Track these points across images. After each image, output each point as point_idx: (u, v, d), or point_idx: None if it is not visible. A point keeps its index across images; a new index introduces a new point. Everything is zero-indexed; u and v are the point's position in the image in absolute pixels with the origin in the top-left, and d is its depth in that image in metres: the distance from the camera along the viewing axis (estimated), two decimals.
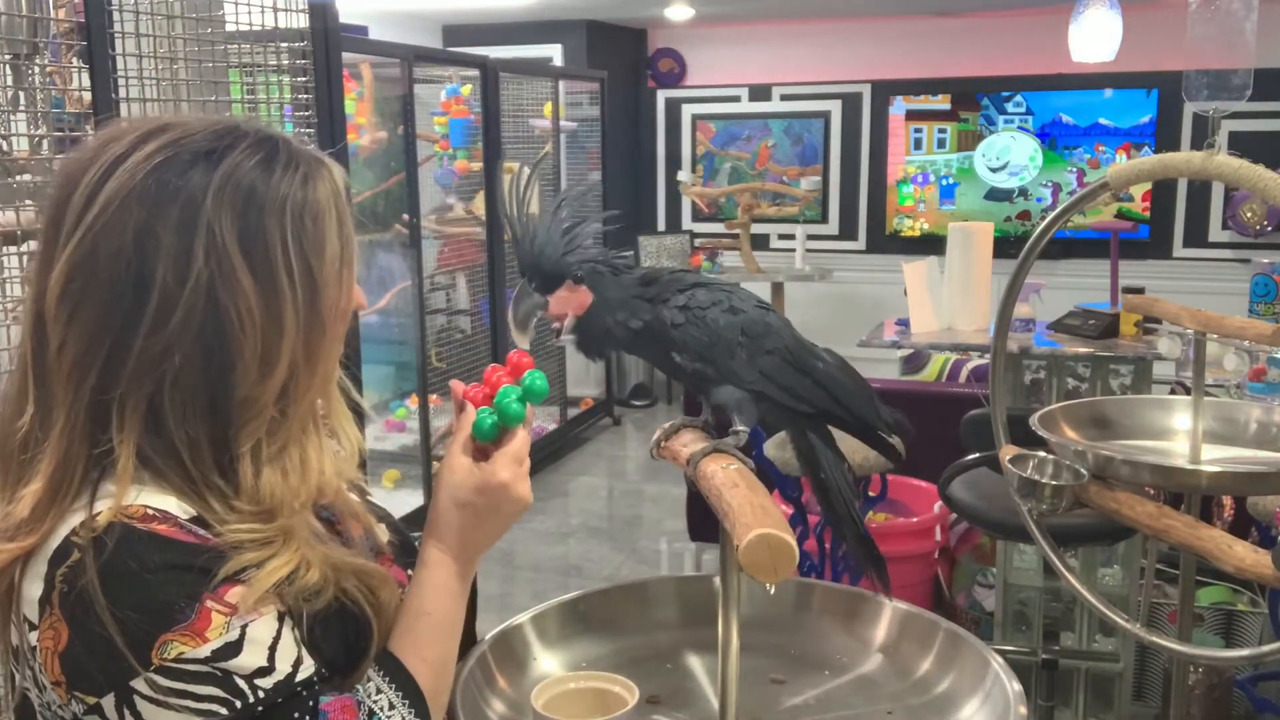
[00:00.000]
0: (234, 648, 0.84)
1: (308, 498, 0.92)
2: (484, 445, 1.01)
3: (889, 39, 6.73)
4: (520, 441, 1.00)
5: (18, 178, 2.12)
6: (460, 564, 1.00)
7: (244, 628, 0.84)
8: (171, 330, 0.84)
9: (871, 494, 3.12)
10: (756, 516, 0.90)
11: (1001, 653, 1.28)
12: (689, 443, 1.14)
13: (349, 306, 0.96)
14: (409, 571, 1.06)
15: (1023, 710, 1.13)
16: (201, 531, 0.86)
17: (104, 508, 0.84)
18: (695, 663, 1.34)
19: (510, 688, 1.26)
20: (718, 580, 1.13)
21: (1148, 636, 1.66)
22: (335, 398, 0.98)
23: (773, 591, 1.37)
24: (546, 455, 5.68)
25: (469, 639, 1.21)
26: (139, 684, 0.82)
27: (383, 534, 1.07)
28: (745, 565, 0.87)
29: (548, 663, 1.33)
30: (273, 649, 0.86)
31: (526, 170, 1.12)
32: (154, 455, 0.86)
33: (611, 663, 1.31)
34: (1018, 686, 1.17)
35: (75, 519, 0.85)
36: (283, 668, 0.86)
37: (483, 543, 1.02)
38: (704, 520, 3.73)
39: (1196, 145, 5.94)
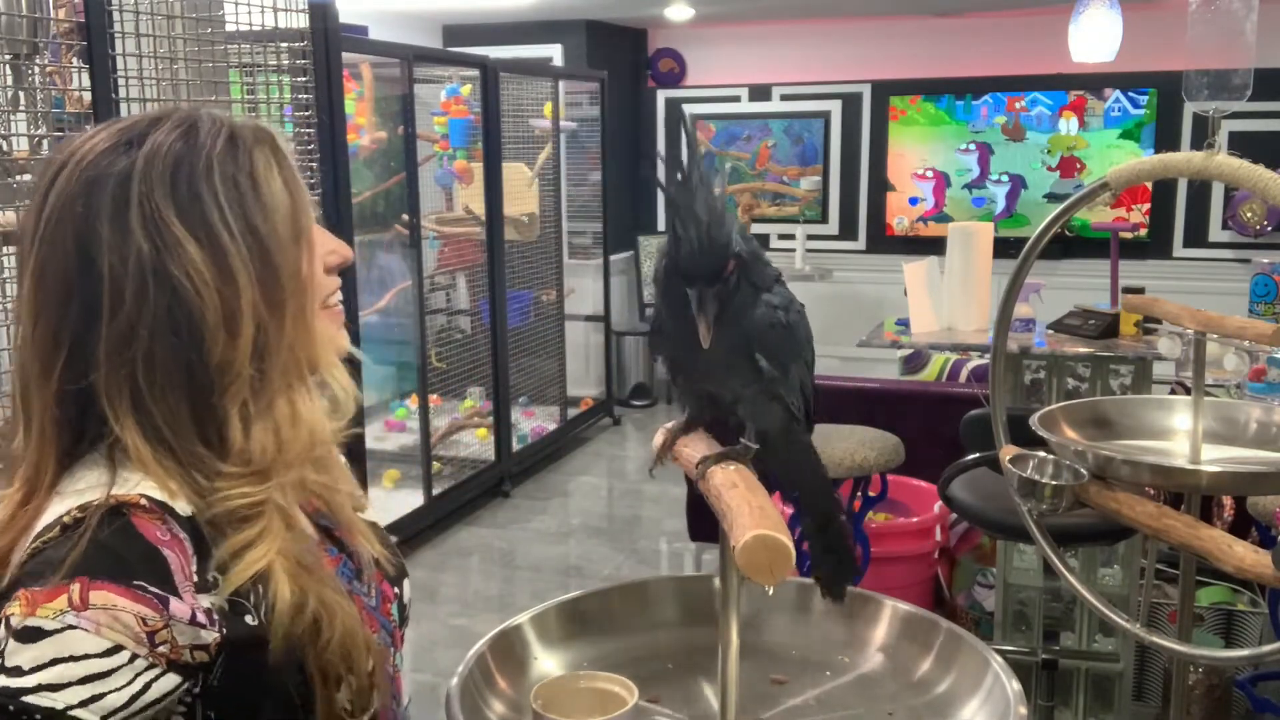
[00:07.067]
0: (32, 634, 0.78)
1: (303, 449, 0.90)
2: None
3: (889, 39, 6.73)
4: None
5: (18, 178, 2.12)
6: None
7: (67, 628, 0.78)
8: (128, 311, 0.85)
9: (871, 494, 3.12)
10: (754, 518, 0.90)
11: (1001, 653, 1.28)
12: (691, 443, 1.13)
13: (319, 263, 0.95)
14: (396, 590, 1.05)
15: (1023, 710, 1.13)
16: (184, 536, 0.85)
17: (114, 492, 0.84)
18: (695, 663, 1.34)
19: (510, 688, 1.26)
20: (718, 580, 1.13)
21: (1148, 636, 1.66)
22: (321, 348, 0.95)
23: (770, 593, 1.37)
24: (546, 455, 5.69)
25: None
26: None
27: (376, 548, 1.04)
28: (742, 566, 0.87)
29: (548, 663, 1.33)
30: (54, 662, 0.78)
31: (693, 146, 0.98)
32: (145, 437, 0.86)
33: (611, 663, 1.30)
34: (1018, 686, 1.17)
35: (76, 500, 0.84)
36: (39, 678, 0.77)
37: None
38: (704, 520, 3.73)
39: (1196, 145, 5.94)
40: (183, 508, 0.86)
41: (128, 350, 0.85)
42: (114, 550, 0.82)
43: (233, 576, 0.85)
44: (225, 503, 0.86)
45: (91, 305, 0.85)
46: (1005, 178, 6.56)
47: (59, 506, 0.85)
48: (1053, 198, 6.41)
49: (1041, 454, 1.65)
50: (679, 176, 0.97)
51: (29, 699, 0.77)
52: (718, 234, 0.96)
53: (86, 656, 0.79)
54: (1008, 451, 1.66)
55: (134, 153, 0.87)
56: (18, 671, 0.78)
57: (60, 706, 0.78)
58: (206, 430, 0.88)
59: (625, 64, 7.10)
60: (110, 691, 0.79)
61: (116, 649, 0.80)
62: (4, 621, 0.79)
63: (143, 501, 0.84)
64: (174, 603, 0.82)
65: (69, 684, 0.78)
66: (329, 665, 0.89)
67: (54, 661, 0.78)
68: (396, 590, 1.05)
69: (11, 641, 0.79)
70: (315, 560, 0.91)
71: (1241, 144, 2.49)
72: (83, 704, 0.78)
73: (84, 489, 0.85)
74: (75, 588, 0.79)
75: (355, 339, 3.26)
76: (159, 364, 0.86)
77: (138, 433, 0.86)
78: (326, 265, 0.98)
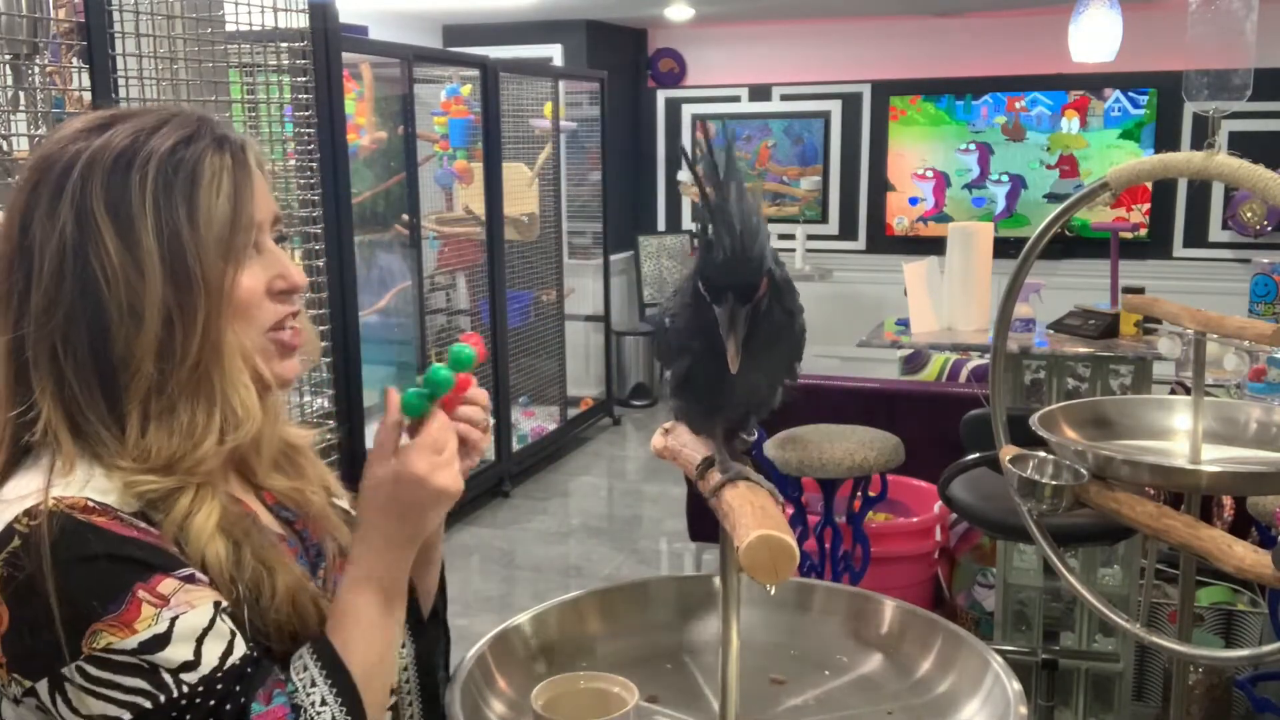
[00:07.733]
0: (162, 640, 0.84)
1: (194, 463, 0.91)
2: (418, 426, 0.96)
3: (889, 39, 6.73)
4: (436, 429, 0.94)
5: (18, 178, 2.12)
6: (386, 563, 0.95)
7: (174, 620, 0.85)
8: (48, 286, 0.88)
9: (871, 494, 3.12)
10: (757, 517, 0.90)
11: (1001, 653, 1.28)
12: (691, 444, 1.13)
13: (256, 282, 0.94)
14: None
15: (1023, 710, 1.13)
16: (142, 525, 0.87)
17: (52, 495, 0.86)
18: (695, 663, 1.34)
19: (510, 688, 1.26)
20: (718, 580, 1.13)
21: (1148, 636, 1.66)
22: (235, 370, 0.93)
23: (773, 592, 1.37)
24: (547, 455, 5.69)
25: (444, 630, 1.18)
26: (69, 671, 0.83)
27: (346, 537, 1.04)
28: (745, 566, 0.87)
29: (547, 663, 1.33)
30: (200, 641, 0.86)
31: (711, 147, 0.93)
32: (60, 411, 0.89)
33: (611, 663, 1.31)
34: (1018, 686, 1.17)
35: (20, 506, 0.86)
36: (209, 660, 0.86)
37: (405, 537, 0.96)
38: (704, 520, 3.73)
39: (1196, 145, 5.94)
40: (123, 504, 0.88)
41: (49, 323, 0.88)
42: (120, 556, 0.85)
43: (190, 551, 0.89)
44: (136, 488, 0.88)
45: (26, 274, 0.89)
46: (1005, 178, 6.57)
47: (4, 512, 0.86)
48: (1053, 198, 6.41)
49: (1041, 454, 1.65)
50: (713, 182, 0.92)
51: (228, 665, 0.86)
52: (750, 245, 0.91)
53: (212, 624, 0.86)
54: (1008, 451, 1.66)
55: (91, 139, 0.90)
56: (191, 665, 0.85)
57: (240, 656, 0.87)
58: (115, 417, 0.90)
59: (625, 64, 7.10)
60: (232, 629, 0.88)
61: (217, 604, 0.88)
62: (105, 654, 0.83)
63: (90, 504, 0.86)
64: (197, 574, 0.88)
65: (232, 643, 0.87)
66: (281, 622, 0.93)
67: (200, 641, 0.85)
68: None
69: (144, 657, 0.83)
70: (249, 524, 0.94)
71: (1241, 144, 2.50)
72: (248, 647, 0.88)
73: (27, 494, 0.87)
74: (143, 594, 0.84)
75: (355, 339, 3.24)
76: (73, 343, 0.88)
77: (54, 405, 0.89)
78: (271, 288, 0.96)
